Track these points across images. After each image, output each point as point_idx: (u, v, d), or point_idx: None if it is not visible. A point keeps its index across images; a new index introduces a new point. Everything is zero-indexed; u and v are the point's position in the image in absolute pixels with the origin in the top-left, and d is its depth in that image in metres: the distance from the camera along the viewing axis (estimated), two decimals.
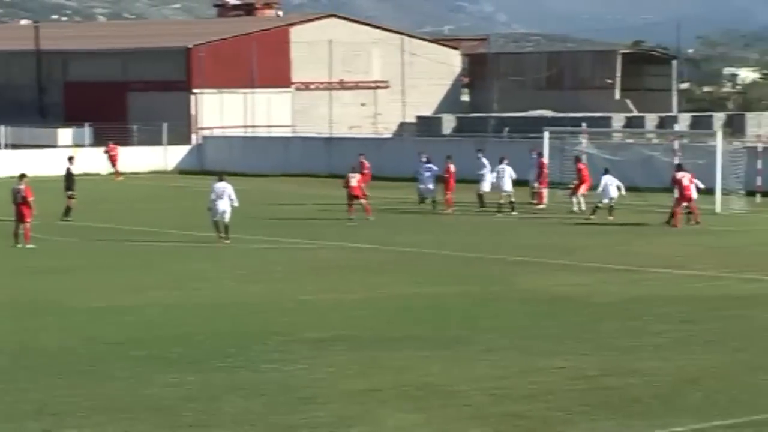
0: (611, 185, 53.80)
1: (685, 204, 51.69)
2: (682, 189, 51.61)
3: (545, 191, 60.40)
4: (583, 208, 55.38)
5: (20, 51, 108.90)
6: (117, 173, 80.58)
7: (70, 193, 54.94)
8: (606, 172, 55.00)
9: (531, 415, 21.91)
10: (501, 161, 58.20)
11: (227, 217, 46.41)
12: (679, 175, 52.30)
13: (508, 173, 57.51)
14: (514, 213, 56.13)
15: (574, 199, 57.18)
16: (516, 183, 58.10)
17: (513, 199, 56.77)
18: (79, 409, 22.56)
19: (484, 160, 60.15)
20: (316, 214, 57.05)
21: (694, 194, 52.07)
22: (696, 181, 52.81)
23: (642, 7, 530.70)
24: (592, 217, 52.92)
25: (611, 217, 52.56)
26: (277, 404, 22.77)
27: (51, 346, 28.38)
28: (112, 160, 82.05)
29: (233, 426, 21.34)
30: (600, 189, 54.05)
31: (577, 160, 60.23)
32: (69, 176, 56.23)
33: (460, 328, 30.15)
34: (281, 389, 23.90)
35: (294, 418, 21.80)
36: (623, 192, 54.05)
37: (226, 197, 46.38)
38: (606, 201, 53.48)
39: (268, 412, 22.19)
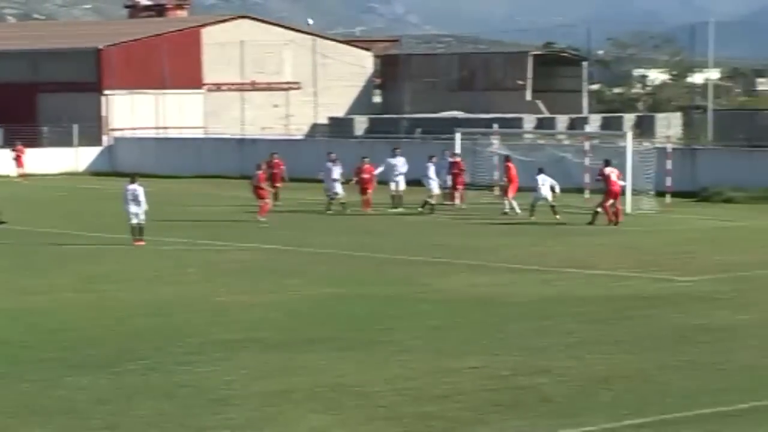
0: (544, 185, 53.69)
1: (611, 201, 51.73)
2: (610, 185, 51.69)
3: (461, 192, 60.46)
4: (518, 210, 55.23)
5: None
6: (22, 175, 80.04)
7: None
8: (540, 171, 54.94)
9: (444, 415, 22.01)
10: (430, 159, 58.65)
11: (141, 218, 46.01)
12: (608, 170, 52.40)
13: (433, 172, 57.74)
14: (432, 213, 56.28)
15: (506, 202, 56.85)
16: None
17: (433, 202, 56.77)
18: None
19: (396, 161, 60.24)
20: (229, 215, 56.99)
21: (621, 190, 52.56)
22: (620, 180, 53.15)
23: (553, 9, 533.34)
24: (531, 218, 53.13)
25: (558, 216, 52.90)
26: (190, 406, 22.75)
27: None
28: (18, 161, 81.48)
29: (145, 428, 21.30)
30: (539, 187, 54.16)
31: (507, 159, 60.17)
32: None
33: (372, 330, 30.18)
34: (194, 391, 23.88)
35: (207, 420, 21.80)
36: (557, 191, 53.94)
37: (138, 199, 45.87)
38: (540, 200, 53.50)
39: (181, 415, 22.17)
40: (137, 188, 46.23)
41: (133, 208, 45.92)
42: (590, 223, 51.42)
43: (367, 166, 57.94)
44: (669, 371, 25.36)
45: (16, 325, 31.04)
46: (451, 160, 61.24)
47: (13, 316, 32.17)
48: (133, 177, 47.58)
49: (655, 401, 22.82)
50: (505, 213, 55.80)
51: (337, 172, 58.21)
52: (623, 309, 32.65)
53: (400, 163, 58.80)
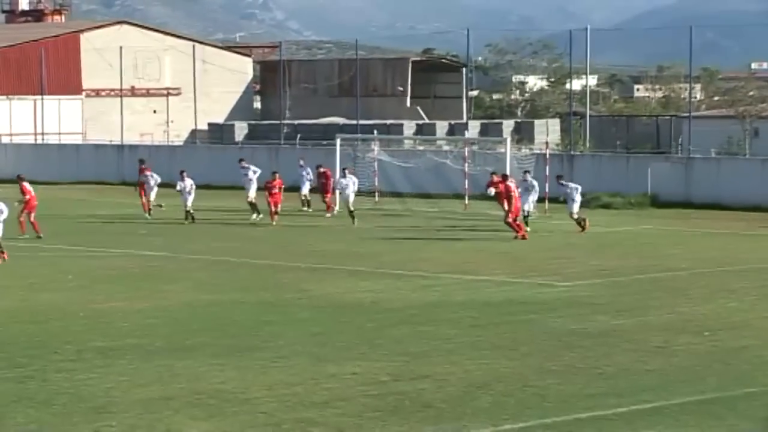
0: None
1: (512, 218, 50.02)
2: (514, 201, 50.00)
3: (328, 199, 60.37)
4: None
5: None
6: None
7: None
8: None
9: (324, 422, 21.99)
10: (343, 173, 58.03)
11: None
12: (511, 184, 50.80)
13: (352, 182, 57.06)
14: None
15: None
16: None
17: (352, 208, 56.21)
18: None
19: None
20: (108, 221, 56.58)
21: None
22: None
23: (432, 17, 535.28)
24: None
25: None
26: (70, 414, 22.55)
27: None
28: None
29: None
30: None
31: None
32: None
33: (252, 336, 30.12)
34: (73, 399, 23.67)
35: (87, 428, 21.62)
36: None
37: None
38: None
39: (60, 423, 21.97)
40: None
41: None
42: (583, 230, 51.67)
43: (277, 181, 56.87)
44: (548, 376, 25.50)
45: None
46: (321, 170, 61.11)
47: None
48: None
49: (534, 406, 22.93)
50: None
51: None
52: (502, 314, 32.81)
53: (351, 182, 57.85)
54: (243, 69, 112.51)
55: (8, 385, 24.87)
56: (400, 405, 23.12)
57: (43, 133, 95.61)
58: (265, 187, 56.89)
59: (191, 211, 56.12)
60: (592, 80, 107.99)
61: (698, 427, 21.12)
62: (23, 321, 32.13)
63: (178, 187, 56.66)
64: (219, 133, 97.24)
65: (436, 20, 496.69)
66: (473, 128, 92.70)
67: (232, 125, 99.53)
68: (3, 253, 43.14)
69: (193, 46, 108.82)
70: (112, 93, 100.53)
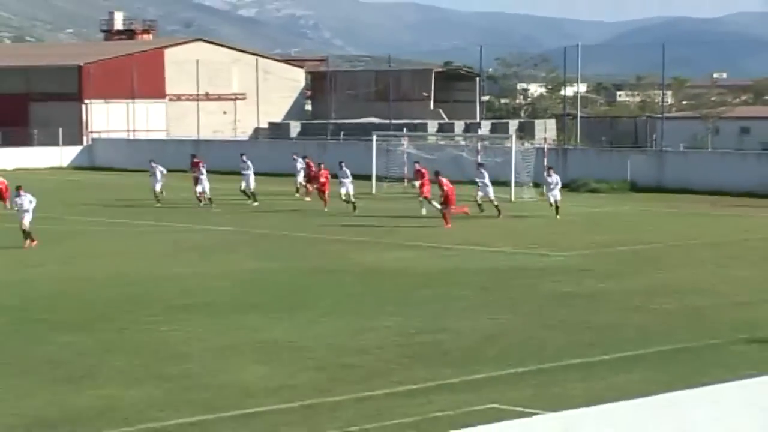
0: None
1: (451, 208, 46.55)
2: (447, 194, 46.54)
3: (310, 188, 58.43)
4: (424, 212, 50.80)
5: None
6: None
7: None
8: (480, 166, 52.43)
9: (362, 365, 22.04)
10: (340, 165, 55.14)
11: (26, 224, 39.68)
12: (444, 179, 47.39)
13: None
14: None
15: (428, 205, 51.06)
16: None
17: (353, 199, 54.97)
18: None
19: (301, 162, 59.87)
20: (187, 203, 56.48)
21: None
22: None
23: (450, 36, 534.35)
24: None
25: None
26: (157, 358, 22.66)
27: None
28: None
29: (120, 377, 21.20)
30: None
31: (416, 162, 56.93)
32: None
33: (303, 296, 30.18)
34: (160, 346, 23.79)
35: (171, 370, 21.73)
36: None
37: (24, 208, 39.66)
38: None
39: (149, 366, 22.07)
40: (24, 197, 39.91)
41: (25, 217, 39.55)
42: (499, 214, 49.32)
43: (323, 171, 55.64)
44: (545, 329, 25.49)
45: (12, 293, 30.80)
46: (306, 161, 60.28)
47: (10, 286, 31.93)
48: (19, 187, 40.83)
49: (533, 354, 22.93)
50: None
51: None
52: (508, 279, 32.81)
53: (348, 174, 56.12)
54: (297, 78, 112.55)
55: (108, 335, 25.03)
56: (423, 352, 23.16)
57: (134, 131, 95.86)
58: (313, 177, 56.64)
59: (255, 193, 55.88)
60: (583, 88, 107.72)
61: (669, 371, 21.08)
62: (117, 284, 32.27)
63: (244, 171, 56.39)
64: (277, 130, 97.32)
65: (454, 38, 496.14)
66: (485, 127, 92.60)
67: (288, 124, 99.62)
68: (33, 241, 39.58)
69: (256, 60, 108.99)
70: (191, 98, 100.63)
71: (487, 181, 51.14)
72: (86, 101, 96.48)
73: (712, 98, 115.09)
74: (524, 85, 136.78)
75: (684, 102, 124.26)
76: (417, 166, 54.71)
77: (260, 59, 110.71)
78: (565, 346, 23.60)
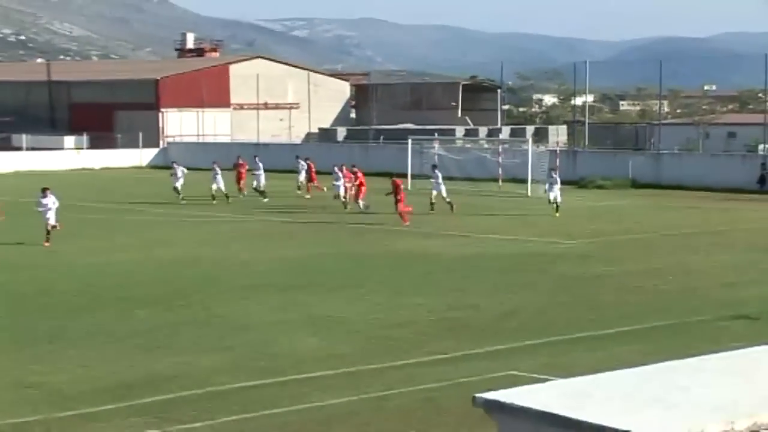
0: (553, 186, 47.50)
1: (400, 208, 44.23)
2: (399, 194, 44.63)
3: (309, 186, 56.99)
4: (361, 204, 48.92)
5: (37, 81, 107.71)
6: None
7: None
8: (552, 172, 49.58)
9: (399, 337, 22.10)
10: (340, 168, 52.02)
11: (51, 222, 37.70)
12: (399, 181, 45.92)
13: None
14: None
15: (361, 202, 49.09)
16: None
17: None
18: (81, 335, 22.44)
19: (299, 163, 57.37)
20: (252, 196, 56.49)
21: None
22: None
23: (476, 52, 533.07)
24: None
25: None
26: (222, 331, 22.77)
27: (60, 289, 28.15)
28: None
29: (191, 347, 21.32)
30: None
31: (353, 166, 53.12)
32: None
33: (348, 277, 30.25)
34: (224, 320, 23.90)
35: (232, 341, 21.83)
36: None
37: (48, 207, 37.58)
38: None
39: (216, 337, 22.19)
40: (48, 199, 37.73)
41: (49, 215, 37.58)
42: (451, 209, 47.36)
43: (360, 173, 51.98)
44: (556, 307, 25.48)
45: (101, 273, 31.02)
46: (308, 162, 58.62)
47: (100, 268, 32.16)
48: (44, 190, 38.21)
49: (546, 328, 22.94)
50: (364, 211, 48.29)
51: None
52: (524, 262, 32.78)
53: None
54: (343, 90, 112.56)
55: (181, 310, 25.14)
56: (451, 326, 23.20)
57: (203, 135, 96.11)
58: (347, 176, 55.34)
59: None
60: (590, 98, 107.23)
61: (663, 343, 21.03)
62: (192, 267, 32.44)
63: (256, 171, 55.40)
64: (325, 135, 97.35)
65: (479, 56, 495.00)
66: (505, 132, 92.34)
67: (335, 129, 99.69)
68: (47, 242, 36.94)
69: (308, 74, 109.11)
70: (252, 107, 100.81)
71: (440, 180, 49.32)
72: (162, 110, 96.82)
73: (703, 107, 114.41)
74: (539, 96, 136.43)
75: (678, 110, 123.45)
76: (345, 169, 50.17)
77: (311, 73, 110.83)
78: (573, 322, 23.59)
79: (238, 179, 56.26)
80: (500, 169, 63.01)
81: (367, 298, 26.67)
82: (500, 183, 61.51)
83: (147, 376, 18.93)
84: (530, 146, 62.83)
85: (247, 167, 57.21)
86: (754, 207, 51.24)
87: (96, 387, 18.22)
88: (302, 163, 58.78)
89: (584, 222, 45.14)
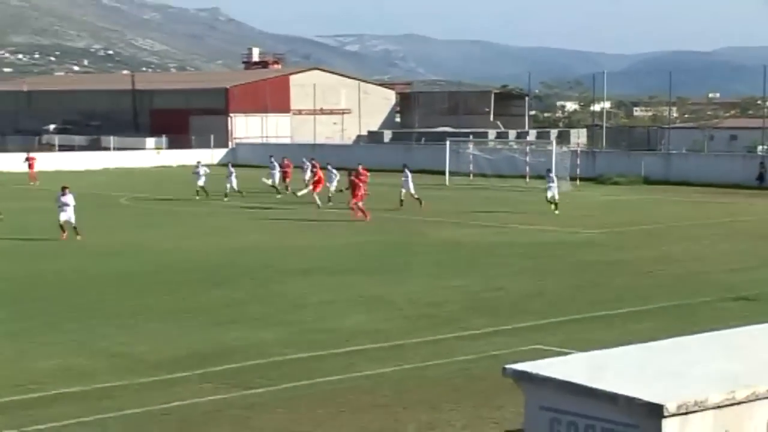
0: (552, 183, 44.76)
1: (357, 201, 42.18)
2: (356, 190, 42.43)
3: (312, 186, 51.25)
4: (319, 203, 47.19)
5: (123, 90, 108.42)
6: (33, 178, 63.67)
7: None
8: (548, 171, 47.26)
9: (438, 315, 22.06)
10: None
11: (70, 219, 35.40)
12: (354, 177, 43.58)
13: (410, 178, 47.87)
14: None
15: (315, 196, 47.11)
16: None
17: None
18: (160, 310, 22.58)
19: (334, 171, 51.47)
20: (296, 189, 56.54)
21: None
22: None
23: (506, 64, 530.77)
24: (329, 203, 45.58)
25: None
26: (280, 308, 22.83)
27: (141, 270, 28.32)
28: (30, 167, 65.50)
29: (255, 322, 21.38)
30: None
31: (313, 165, 51.91)
32: None
33: (391, 262, 30.22)
34: (281, 300, 23.96)
35: (291, 317, 21.89)
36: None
37: (67, 204, 35.37)
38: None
39: (276, 314, 22.25)
40: (67, 197, 35.55)
41: (62, 214, 35.32)
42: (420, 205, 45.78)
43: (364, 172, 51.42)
44: (575, 289, 25.34)
45: (173, 258, 31.18)
46: (286, 162, 56.75)
47: (171, 253, 32.31)
48: (63, 188, 36.00)
49: (567, 307, 22.82)
50: (318, 206, 46.53)
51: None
52: (546, 250, 32.63)
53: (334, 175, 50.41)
54: (389, 97, 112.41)
55: (246, 290, 25.24)
56: (484, 305, 23.13)
57: (266, 137, 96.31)
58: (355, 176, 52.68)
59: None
60: (607, 104, 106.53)
61: (671, 321, 20.88)
62: (254, 252, 32.52)
63: (272, 170, 54.25)
64: (374, 137, 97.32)
65: (509, 67, 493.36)
66: (531, 134, 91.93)
67: (382, 132, 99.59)
68: (77, 234, 35.02)
69: (358, 84, 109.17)
70: (309, 112, 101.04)
71: (409, 179, 47.39)
72: (231, 115, 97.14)
73: (708, 113, 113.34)
74: (562, 103, 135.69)
75: (686, 115, 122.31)
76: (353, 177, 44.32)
77: (361, 83, 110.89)
78: (591, 302, 23.45)
79: (284, 177, 56.15)
80: (527, 167, 62.78)
81: (407, 280, 26.63)
82: (527, 179, 61.24)
83: (217, 347, 19.00)
84: (554, 147, 62.49)
85: (292, 166, 56.98)
86: (753, 201, 50.74)
87: (173, 356, 18.31)
88: (307, 163, 55.37)
89: (601, 214, 44.87)
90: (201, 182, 52.60)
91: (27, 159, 66.30)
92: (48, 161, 78.68)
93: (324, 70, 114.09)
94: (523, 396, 7.72)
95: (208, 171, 54.02)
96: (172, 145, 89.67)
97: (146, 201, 51.22)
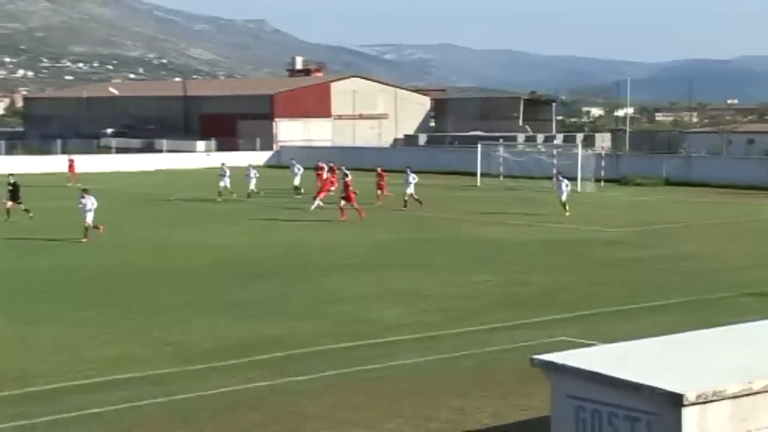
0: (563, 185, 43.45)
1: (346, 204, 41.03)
2: (349, 193, 41.26)
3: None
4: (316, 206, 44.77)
5: (175, 96, 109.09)
6: (72, 179, 63.40)
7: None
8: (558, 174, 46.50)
9: (467, 308, 22.02)
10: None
11: (88, 221, 34.24)
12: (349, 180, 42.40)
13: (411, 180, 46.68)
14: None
15: (317, 202, 44.89)
16: None
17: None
18: (209, 302, 22.68)
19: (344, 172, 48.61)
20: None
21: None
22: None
23: (535, 72, 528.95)
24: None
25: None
26: (321, 302, 22.86)
27: (194, 265, 28.45)
28: (71, 168, 65.93)
29: (298, 313, 21.43)
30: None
31: (319, 168, 50.87)
32: None
33: (423, 258, 30.18)
34: (317, 293, 23.98)
35: (331, 310, 21.91)
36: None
37: (87, 207, 34.33)
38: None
39: (315, 306, 22.29)
40: (88, 199, 34.53)
41: (88, 216, 34.16)
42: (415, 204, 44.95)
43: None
44: (598, 285, 25.21)
45: (221, 254, 31.28)
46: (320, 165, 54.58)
47: (218, 249, 32.41)
48: (85, 190, 35.79)
49: (588, 302, 22.70)
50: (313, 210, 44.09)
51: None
52: (572, 247, 32.47)
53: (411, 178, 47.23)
54: (424, 103, 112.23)
55: (282, 286, 25.29)
56: (512, 299, 23.07)
57: (309, 140, 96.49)
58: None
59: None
60: (630, 110, 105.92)
61: (689, 316, 20.72)
62: (287, 248, 32.57)
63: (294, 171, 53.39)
64: (409, 140, 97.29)
65: (537, 75, 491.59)
66: (558, 138, 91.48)
67: (417, 136, 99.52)
68: (98, 228, 34.17)
69: (395, 91, 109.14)
70: (349, 117, 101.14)
71: (410, 180, 46.24)
72: (276, 119, 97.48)
73: (727, 118, 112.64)
74: (587, 108, 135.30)
75: (705, 120, 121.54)
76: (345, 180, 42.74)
77: (398, 90, 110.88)
78: (614, 297, 23.33)
79: (318, 180, 55.12)
80: (554, 169, 62.49)
81: (441, 275, 26.60)
82: (554, 180, 60.95)
83: (262, 337, 19.08)
84: (579, 150, 62.17)
85: (326, 169, 55.96)
86: None
87: (221, 345, 18.41)
88: (325, 165, 53.29)
89: (624, 213, 44.59)
90: (224, 183, 51.95)
91: (68, 161, 67.14)
92: (105, 163, 79.61)
93: (363, 78, 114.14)
94: (549, 385, 7.70)
95: (228, 172, 52.69)
96: (220, 148, 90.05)
97: (195, 201, 51.45)
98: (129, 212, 44.47)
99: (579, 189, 55.94)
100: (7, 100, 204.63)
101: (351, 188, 41.57)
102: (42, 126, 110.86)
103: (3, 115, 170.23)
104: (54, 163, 74.49)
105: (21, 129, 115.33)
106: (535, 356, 7.66)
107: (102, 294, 23.90)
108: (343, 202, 41.30)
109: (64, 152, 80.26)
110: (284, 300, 23.00)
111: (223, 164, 55.44)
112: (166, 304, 22.45)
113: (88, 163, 73.82)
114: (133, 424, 13.82)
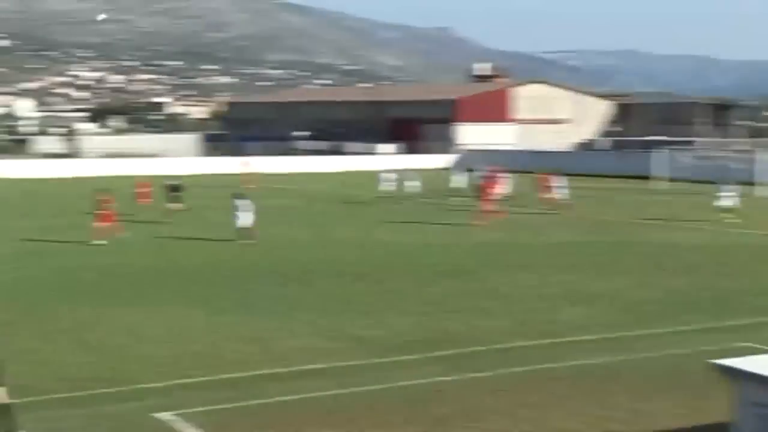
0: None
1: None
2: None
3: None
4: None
5: (364, 101, 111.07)
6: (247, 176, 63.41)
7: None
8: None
9: (648, 310, 21.40)
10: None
11: (247, 224, 33.83)
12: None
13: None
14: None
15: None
16: None
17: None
18: (393, 300, 22.85)
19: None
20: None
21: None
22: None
23: (720, 77, 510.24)
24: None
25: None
26: (502, 300, 22.58)
27: (374, 262, 28.52)
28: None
29: (475, 311, 21.32)
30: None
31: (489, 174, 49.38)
32: None
33: (606, 261, 29.46)
34: (500, 292, 23.70)
35: (511, 308, 21.63)
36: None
37: (238, 210, 34.11)
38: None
39: (497, 305, 22.06)
40: (241, 202, 34.28)
41: (241, 217, 33.96)
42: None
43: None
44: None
45: (406, 252, 31.39)
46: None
47: (404, 247, 32.44)
48: (240, 194, 35.79)
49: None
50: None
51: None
52: (763, 252, 31.03)
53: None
54: (606, 108, 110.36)
55: (464, 284, 25.13)
56: (695, 303, 22.36)
57: (492, 144, 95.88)
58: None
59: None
60: None
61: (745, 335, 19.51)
62: (472, 249, 32.30)
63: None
64: (590, 145, 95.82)
65: (723, 80, 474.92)
66: (744, 144, 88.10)
67: (599, 140, 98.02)
68: (251, 237, 33.49)
69: (578, 95, 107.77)
70: (532, 121, 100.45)
71: (564, 184, 45.72)
72: (458, 124, 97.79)
73: None
74: None
75: None
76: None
77: (579, 95, 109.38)
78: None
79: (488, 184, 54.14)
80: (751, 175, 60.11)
81: (621, 278, 25.99)
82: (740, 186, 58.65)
83: (442, 334, 19.13)
84: (757, 155, 59.60)
85: (498, 174, 54.91)
86: None
87: (403, 341, 18.56)
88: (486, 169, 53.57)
89: None
90: (385, 186, 53.26)
91: (244, 163, 68.81)
92: (297, 164, 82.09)
93: (546, 84, 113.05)
94: (730, 391, 7.42)
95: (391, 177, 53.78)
96: (407, 151, 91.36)
97: (381, 201, 51.97)
98: (325, 211, 45.38)
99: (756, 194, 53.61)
100: (213, 104, 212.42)
101: (491, 190, 41.08)
102: (241, 128, 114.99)
103: (207, 119, 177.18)
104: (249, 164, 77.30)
105: (224, 132, 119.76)
106: (715, 361, 7.38)
107: (285, 288, 24.44)
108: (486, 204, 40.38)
109: (258, 154, 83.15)
110: (463, 298, 22.96)
111: (383, 170, 56.29)
112: (355, 300, 22.73)
113: (278, 165, 76.87)
114: (330, 409, 14.08)
